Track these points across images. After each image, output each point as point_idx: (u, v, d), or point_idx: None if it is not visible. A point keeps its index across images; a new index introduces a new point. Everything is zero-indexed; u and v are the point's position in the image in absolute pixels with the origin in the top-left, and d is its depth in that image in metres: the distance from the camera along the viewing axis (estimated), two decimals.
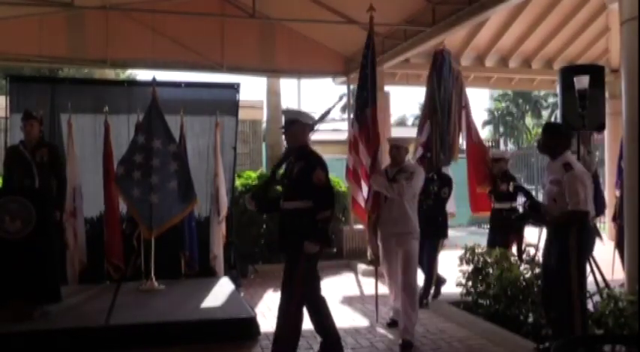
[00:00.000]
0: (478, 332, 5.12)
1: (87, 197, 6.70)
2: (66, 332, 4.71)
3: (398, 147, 5.09)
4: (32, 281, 5.04)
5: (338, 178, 9.20)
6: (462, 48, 10.00)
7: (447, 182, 6.24)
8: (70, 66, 12.14)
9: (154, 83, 6.61)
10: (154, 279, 6.29)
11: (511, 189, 5.85)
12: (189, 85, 7.53)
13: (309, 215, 4.05)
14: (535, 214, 4.40)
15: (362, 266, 8.37)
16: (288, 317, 4.11)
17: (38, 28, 7.97)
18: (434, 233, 6.05)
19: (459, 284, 5.55)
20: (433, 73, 6.64)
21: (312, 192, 4.09)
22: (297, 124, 4.25)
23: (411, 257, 4.95)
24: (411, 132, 8.50)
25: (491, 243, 6.49)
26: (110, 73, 14.80)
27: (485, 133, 35.97)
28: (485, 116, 41.71)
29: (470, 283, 5.46)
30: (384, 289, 5.57)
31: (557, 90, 5.24)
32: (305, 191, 4.11)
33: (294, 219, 4.14)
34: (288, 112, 4.71)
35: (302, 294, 4.13)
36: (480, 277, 5.37)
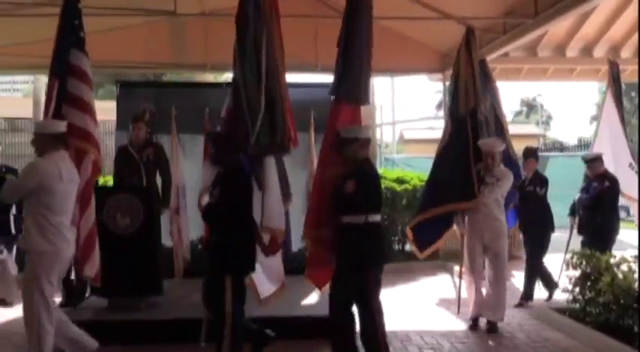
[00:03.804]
0: (585, 342, 4.81)
1: (191, 194, 6.95)
2: (172, 322, 4.98)
3: None
4: (139, 274, 5.34)
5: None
6: (567, 39, 9.44)
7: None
8: (172, 71, 12.80)
9: None
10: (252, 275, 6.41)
11: None
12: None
13: None
14: None
15: (458, 268, 8.12)
16: None
17: (144, 37, 8.44)
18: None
19: (564, 290, 5.25)
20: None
21: None
22: None
23: None
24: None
25: None
26: (209, 77, 15.44)
27: (592, 129, 33.78)
28: (594, 111, 39.17)
29: (577, 289, 5.14)
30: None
31: None
32: None
33: None
34: None
35: None
36: (589, 283, 5.03)
